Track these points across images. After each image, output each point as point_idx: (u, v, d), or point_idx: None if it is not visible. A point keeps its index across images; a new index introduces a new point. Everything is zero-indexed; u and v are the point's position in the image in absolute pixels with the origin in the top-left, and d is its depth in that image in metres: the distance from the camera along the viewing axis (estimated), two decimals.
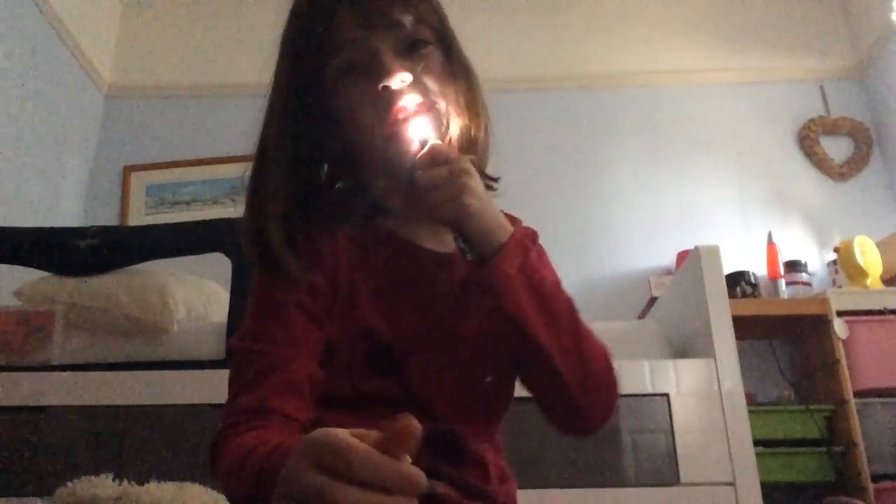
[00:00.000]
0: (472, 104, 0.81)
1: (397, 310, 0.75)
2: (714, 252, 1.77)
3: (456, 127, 0.78)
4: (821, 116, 3.03)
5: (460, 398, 0.74)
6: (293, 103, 0.79)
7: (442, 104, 0.77)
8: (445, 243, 0.80)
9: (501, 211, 0.79)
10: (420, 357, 0.73)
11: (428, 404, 0.72)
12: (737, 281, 2.43)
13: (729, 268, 2.16)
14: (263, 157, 0.80)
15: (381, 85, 0.73)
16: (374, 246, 0.78)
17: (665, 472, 1.54)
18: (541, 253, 0.77)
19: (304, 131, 0.78)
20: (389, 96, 0.73)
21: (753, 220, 2.89)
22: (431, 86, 0.76)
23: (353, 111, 0.76)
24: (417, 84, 0.75)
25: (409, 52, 0.76)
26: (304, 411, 0.67)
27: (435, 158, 0.69)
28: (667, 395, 1.61)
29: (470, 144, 0.79)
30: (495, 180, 0.84)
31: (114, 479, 1.22)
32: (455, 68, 0.81)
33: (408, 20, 0.76)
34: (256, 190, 0.78)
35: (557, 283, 0.74)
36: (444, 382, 0.73)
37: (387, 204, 0.80)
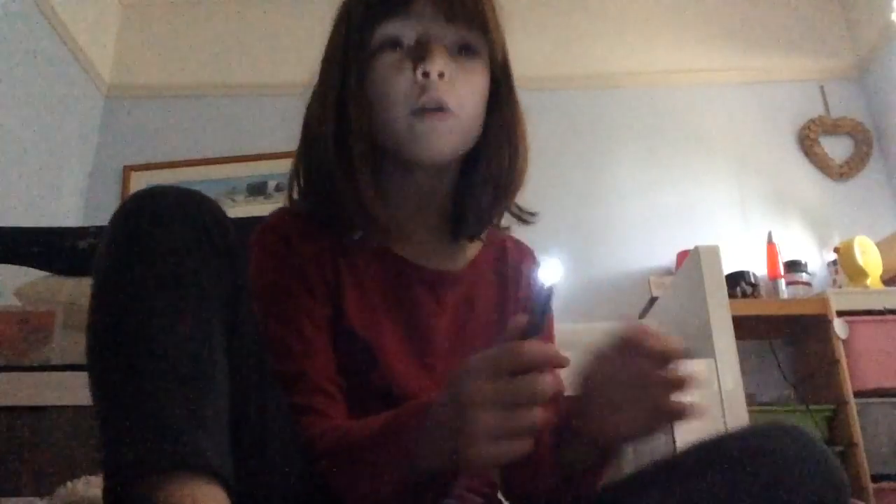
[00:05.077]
0: (504, 137, 0.81)
1: (375, 313, 0.77)
2: (714, 252, 1.77)
3: (470, 140, 0.79)
4: (821, 116, 3.02)
5: None
6: (337, 69, 0.79)
7: (466, 113, 0.77)
8: (434, 261, 0.81)
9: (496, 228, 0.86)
10: (395, 361, 0.75)
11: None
12: (737, 281, 2.43)
13: (729, 268, 2.16)
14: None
15: (422, 70, 0.74)
16: (359, 250, 0.79)
17: None
18: None
19: (339, 103, 0.78)
20: (423, 83, 0.74)
21: (753, 220, 2.88)
22: (466, 94, 0.77)
23: (384, 84, 0.76)
24: (452, 84, 0.76)
25: (457, 54, 0.78)
26: (340, 410, 0.72)
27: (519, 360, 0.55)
28: None
29: (490, 175, 0.80)
30: (533, 214, 0.86)
31: None
32: (499, 99, 0.82)
33: (473, 26, 0.78)
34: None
35: None
36: (420, 391, 0.74)
37: (393, 211, 0.80)
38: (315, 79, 0.83)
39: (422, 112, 0.75)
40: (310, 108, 0.82)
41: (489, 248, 0.87)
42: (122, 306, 0.57)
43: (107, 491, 0.51)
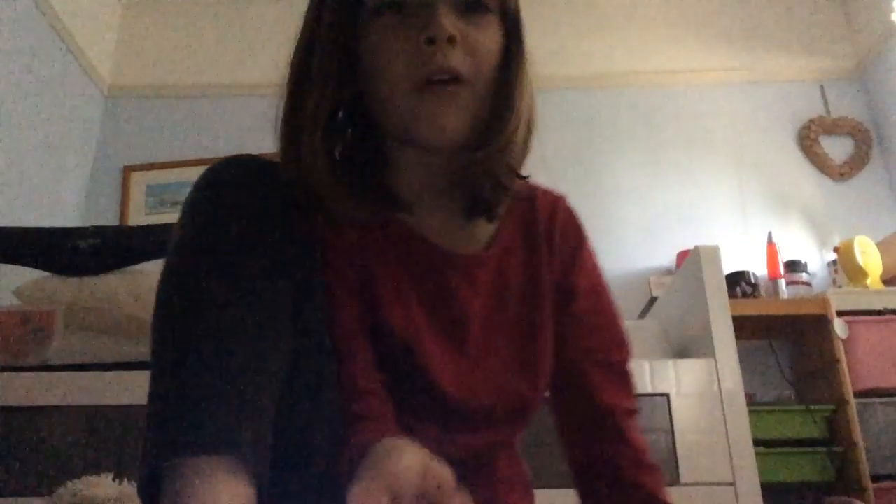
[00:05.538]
0: (517, 95, 0.71)
1: (410, 308, 0.70)
2: (714, 252, 1.77)
3: (485, 110, 0.69)
4: (821, 116, 3.03)
5: (479, 401, 0.71)
6: (325, 39, 0.69)
7: (481, 82, 0.68)
8: (461, 243, 0.74)
9: (526, 180, 0.75)
10: (435, 357, 0.69)
11: (445, 403, 0.69)
12: (737, 281, 2.43)
13: (729, 268, 2.15)
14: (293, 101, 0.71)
15: (426, 36, 0.64)
16: (389, 238, 0.72)
17: (665, 472, 1.54)
18: None
19: (330, 78, 0.68)
20: (429, 51, 0.64)
21: (753, 220, 2.89)
22: (478, 57, 0.67)
23: (383, 56, 0.66)
24: (464, 49, 0.66)
25: (466, 11, 0.67)
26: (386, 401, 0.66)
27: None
28: (667, 395, 1.61)
29: (500, 134, 0.70)
30: (524, 178, 0.76)
31: (114, 479, 1.22)
32: (512, 53, 0.71)
33: None
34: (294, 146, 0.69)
35: None
36: (462, 385, 0.70)
37: (406, 194, 0.72)
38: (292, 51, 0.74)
39: (429, 86, 0.65)
40: (295, 82, 0.72)
41: (516, 206, 0.78)
42: (190, 279, 0.57)
43: (140, 466, 0.52)
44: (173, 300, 0.58)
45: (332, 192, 0.67)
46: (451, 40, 0.64)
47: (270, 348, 0.57)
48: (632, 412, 0.78)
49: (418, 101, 0.66)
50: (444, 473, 0.51)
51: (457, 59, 0.65)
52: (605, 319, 0.81)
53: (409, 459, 0.51)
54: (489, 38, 0.69)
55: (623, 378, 0.79)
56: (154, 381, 0.55)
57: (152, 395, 0.54)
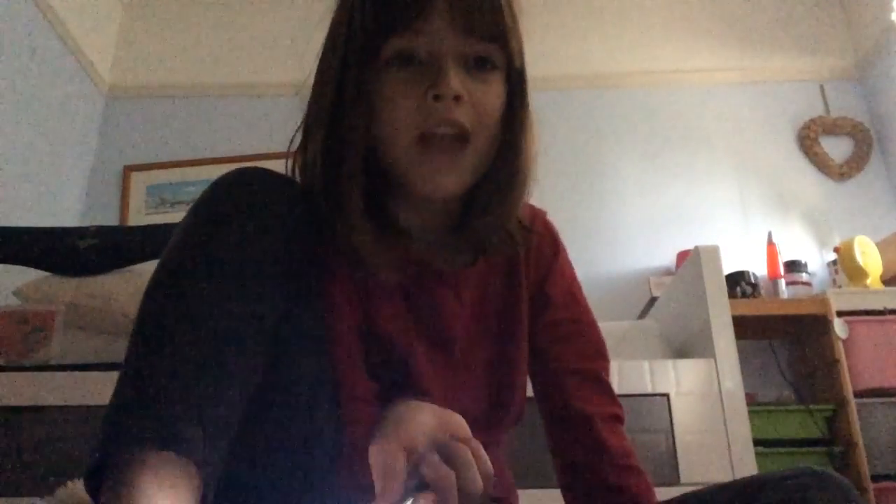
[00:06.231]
0: (522, 159, 0.73)
1: (403, 321, 0.73)
2: (714, 252, 1.77)
3: (484, 165, 0.72)
4: (821, 116, 3.03)
5: (463, 409, 0.71)
6: (351, 87, 0.70)
7: (483, 136, 0.70)
8: (447, 260, 0.77)
9: (529, 205, 0.80)
10: (425, 367, 0.72)
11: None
12: (737, 281, 2.43)
13: (729, 268, 2.16)
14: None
15: (433, 93, 0.66)
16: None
17: (665, 472, 1.54)
18: None
19: (361, 125, 0.70)
20: (434, 106, 0.67)
21: (753, 220, 2.89)
22: (481, 113, 0.69)
23: (389, 106, 0.69)
24: (469, 104, 0.68)
25: (473, 67, 0.70)
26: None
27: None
28: (667, 395, 1.61)
29: (498, 193, 0.73)
30: (530, 231, 0.81)
31: None
32: (516, 111, 0.73)
33: (491, 39, 0.69)
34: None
35: None
36: (447, 394, 0.72)
37: (403, 223, 0.75)
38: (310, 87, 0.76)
39: (430, 140, 0.68)
40: (305, 118, 0.75)
41: None
42: (176, 275, 0.59)
43: (89, 456, 0.52)
44: (154, 294, 0.58)
45: (363, 237, 0.70)
46: (457, 98, 0.67)
47: (243, 353, 0.57)
48: (610, 417, 0.80)
49: (419, 155, 0.68)
50: (458, 425, 0.55)
51: (461, 115, 0.67)
52: (580, 328, 0.84)
53: (423, 416, 0.55)
54: (494, 94, 0.71)
55: (599, 385, 0.81)
56: (126, 361, 0.56)
57: (119, 379, 0.55)
